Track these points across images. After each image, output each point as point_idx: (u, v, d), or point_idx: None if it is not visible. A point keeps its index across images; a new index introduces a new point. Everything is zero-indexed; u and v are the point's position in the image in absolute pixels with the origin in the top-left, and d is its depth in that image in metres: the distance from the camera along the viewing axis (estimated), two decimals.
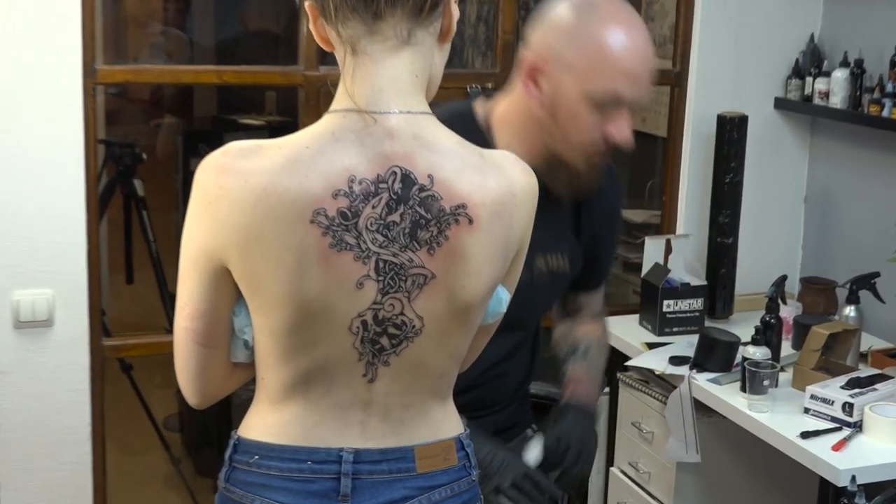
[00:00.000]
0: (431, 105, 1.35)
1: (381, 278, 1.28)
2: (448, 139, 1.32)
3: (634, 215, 3.80)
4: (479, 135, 1.74)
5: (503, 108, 1.79)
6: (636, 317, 2.97)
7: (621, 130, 1.72)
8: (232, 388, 1.42)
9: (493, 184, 1.31)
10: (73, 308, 2.62)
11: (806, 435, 2.29)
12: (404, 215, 1.27)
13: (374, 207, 1.26)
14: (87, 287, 2.63)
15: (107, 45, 3.94)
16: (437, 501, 1.37)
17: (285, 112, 4.78)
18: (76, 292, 2.62)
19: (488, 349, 1.67)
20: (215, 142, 1.41)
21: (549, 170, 1.73)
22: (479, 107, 1.82)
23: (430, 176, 1.28)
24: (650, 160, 3.94)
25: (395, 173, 1.27)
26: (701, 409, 2.59)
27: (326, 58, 2.62)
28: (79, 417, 2.67)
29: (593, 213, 1.92)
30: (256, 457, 1.34)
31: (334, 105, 1.31)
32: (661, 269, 2.96)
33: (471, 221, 1.29)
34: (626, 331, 2.90)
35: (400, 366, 1.33)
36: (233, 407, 3.26)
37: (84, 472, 2.70)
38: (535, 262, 1.81)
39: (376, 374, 1.33)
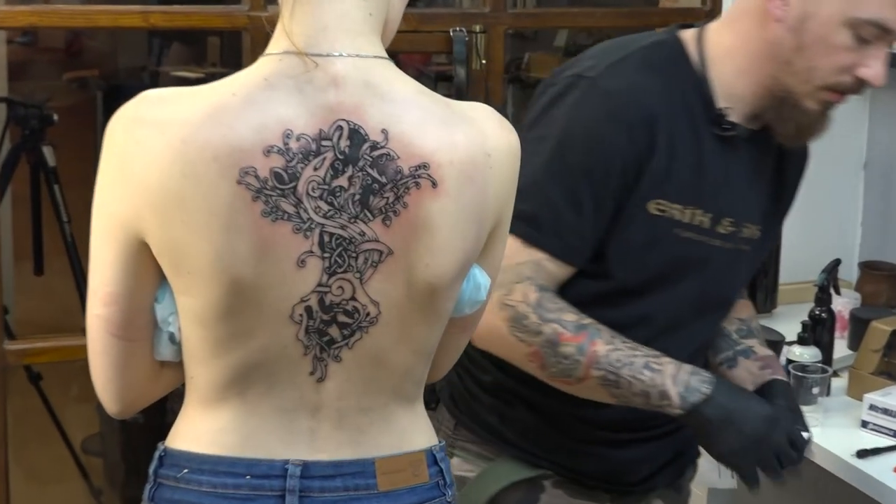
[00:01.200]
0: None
1: (326, 255, 1.30)
2: (407, 87, 1.34)
3: None
4: (690, 72, 1.84)
5: (722, 37, 1.87)
6: None
7: (875, 67, 1.81)
8: (158, 392, 1.43)
9: (462, 139, 1.34)
10: None
11: (863, 454, 2.31)
12: (353, 179, 1.29)
13: (315, 169, 1.28)
14: None
15: None
16: None
17: (231, 62, 4.79)
18: None
19: (692, 335, 1.83)
20: None
21: (776, 108, 1.84)
22: (688, 38, 1.88)
23: (383, 131, 1.30)
24: None
25: (340, 129, 1.29)
26: None
27: None
28: None
29: (790, 188, 2.03)
30: (186, 470, 1.37)
31: (270, 47, 1.33)
32: None
33: (434, 185, 1.31)
34: None
35: (354, 361, 1.35)
36: (166, 426, 3.28)
37: None
38: (739, 224, 1.91)
39: (326, 371, 1.35)
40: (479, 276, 1.44)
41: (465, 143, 1.34)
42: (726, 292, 1.98)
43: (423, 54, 4.76)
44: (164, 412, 3.20)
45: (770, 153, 1.95)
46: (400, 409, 1.42)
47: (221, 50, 4.96)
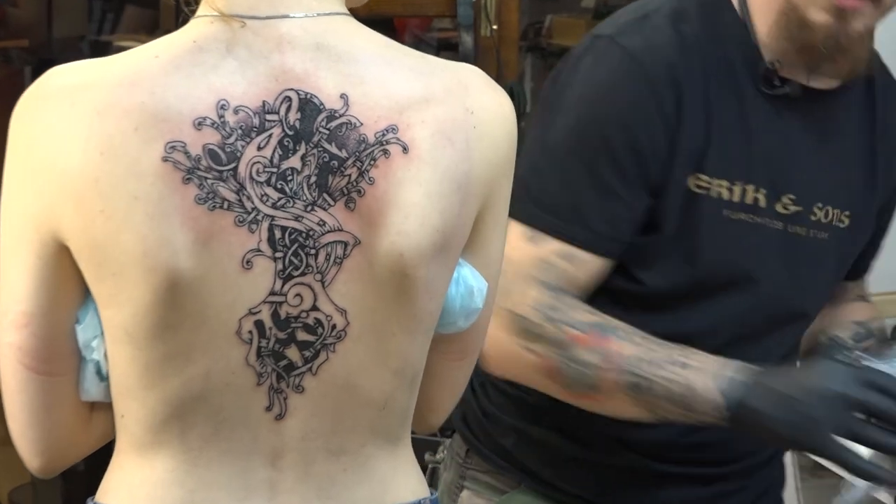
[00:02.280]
0: None
1: (279, 255, 1.28)
2: (370, 42, 1.33)
3: None
4: (733, 22, 1.84)
5: None
6: None
7: None
8: (90, 444, 1.42)
9: (437, 92, 1.33)
10: None
11: None
12: (307, 158, 1.28)
13: (259, 149, 1.27)
14: None
15: None
16: None
17: None
18: None
19: (764, 353, 1.78)
20: None
21: (788, 35, 1.80)
22: None
23: (343, 96, 1.29)
24: None
25: (289, 100, 1.28)
26: (809, 466, 2.64)
27: None
28: None
29: (890, 162, 1.97)
30: None
31: (201, 9, 1.33)
32: None
33: (405, 150, 1.30)
34: None
35: (320, 391, 1.34)
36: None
37: None
38: (807, 204, 1.87)
39: (286, 406, 1.33)
40: (472, 279, 1.42)
41: (442, 97, 1.33)
42: (802, 294, 1.94)
43: (421, 18, 4.75)
44: (109, 456, 3.20)
45: (852, 118, 1.92)
46: (380, 451, 1.39)
47: (177, 14, 4.96)
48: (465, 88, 1.36)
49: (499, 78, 1.56)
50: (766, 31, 1.82)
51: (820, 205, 1.89)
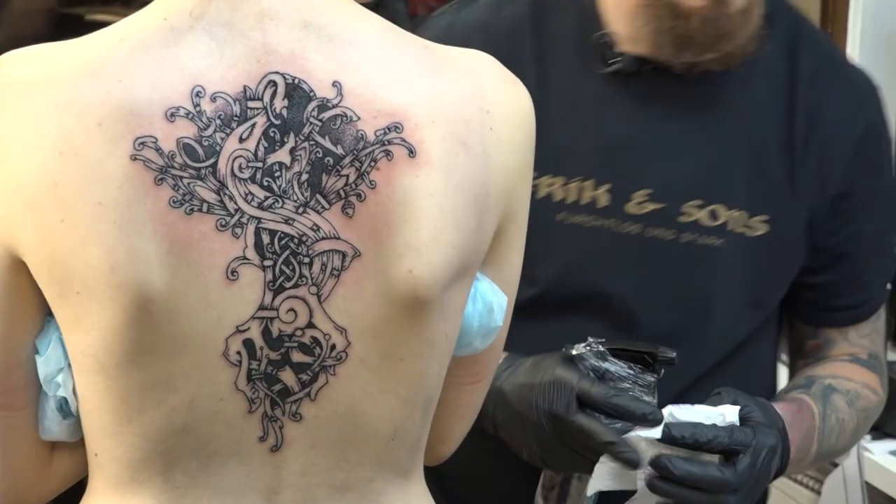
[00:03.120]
0: None
1: (268, 263, 1.28)
2: (366, 23, 1.33)
3: None
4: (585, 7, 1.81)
5: None
6: None
7: None
8: (51, 487, 1.43)
9: (448, 88, 1.32)
10: None
11: None
12: (297, 152, 1.27)
13: (242, 140, 1.26)
14: None
15: None
16: None
17: None
18: None
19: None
20: None
21: (658, 28, 1.75)
22: None
23: (336, 84, 1.28)
24: None
25: (273, 84, 1.27)
26: (878, 499, 2.62)
27: None
28: None
29: (834, 148, 1.87)
30: None
31: None
32: None
33: (412, 153, 1.29)
34: None
35: (321, 420, 1.34)
36: None
37: None
38: (672, 201, 1.80)
39: (282, 436, 1.33)
40: (490, 295, 1.42)
41: (454, 94, 1.33)
42: (685, 314, 1.85)
43: None
44: (80, 495, 3.18)
45: (754, 102, 1.84)
46: (390, 487, 1.40)
47: None
48: (478, 86, 1.35)
49: None
50: (624, 23, 1.78)
51: (698, 203, 1.82)
